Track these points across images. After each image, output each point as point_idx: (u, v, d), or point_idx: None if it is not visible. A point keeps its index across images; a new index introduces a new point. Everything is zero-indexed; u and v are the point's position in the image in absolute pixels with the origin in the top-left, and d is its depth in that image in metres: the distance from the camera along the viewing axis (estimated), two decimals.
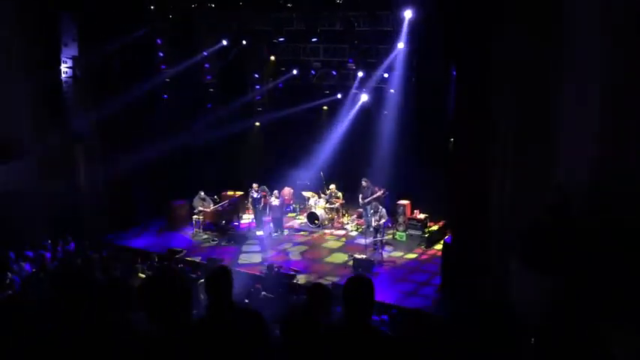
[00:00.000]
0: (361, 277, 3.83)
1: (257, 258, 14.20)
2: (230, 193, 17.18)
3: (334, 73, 17.39)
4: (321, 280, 12.53)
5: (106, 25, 14.50)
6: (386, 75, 16.26)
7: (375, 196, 15.46)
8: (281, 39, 16.83)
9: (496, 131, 10.74)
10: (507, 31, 10.13)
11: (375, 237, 14.03)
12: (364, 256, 13.49)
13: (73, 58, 14.63)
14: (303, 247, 15.00)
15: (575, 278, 9.08)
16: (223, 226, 15.86)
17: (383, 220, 14.04)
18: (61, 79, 14.57)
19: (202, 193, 16.20)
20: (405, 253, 14.42)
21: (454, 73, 12.49)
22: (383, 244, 14.08)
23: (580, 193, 9.40)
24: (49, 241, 13.10)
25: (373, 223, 14.04)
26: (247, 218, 17.15)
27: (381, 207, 14.22)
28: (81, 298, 4.92)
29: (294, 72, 18.00)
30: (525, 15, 9.86)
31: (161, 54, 17.17)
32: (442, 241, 13.24)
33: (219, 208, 16.15)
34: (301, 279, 12.64)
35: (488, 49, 10.56)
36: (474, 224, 11.52)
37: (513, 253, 10.38)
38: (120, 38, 15.15)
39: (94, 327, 3.99)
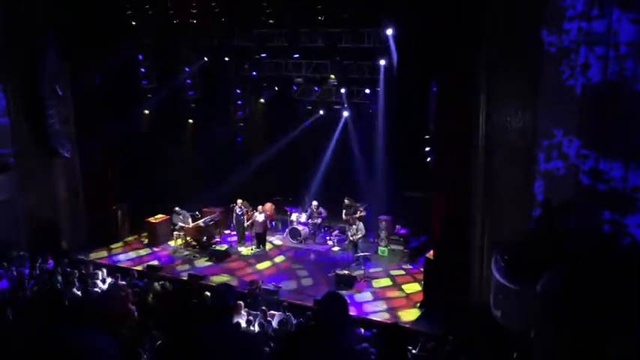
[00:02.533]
0: (334, 294, 3.88)
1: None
2: (211, 209, 17.06)
3: (316, 89, 17.45)
4: (303, 297, 12.51)
5: (87, 41, 14.41)
6: (367, 91, 16.36)
7: (357, 215, 15.41)
8: (263, 55, 16.88)
9: (477, 143, 10.84)
10: (489, 42, 10.27)
11: (354, 252, 14.02)
12: (346, 272, 13.45)
13: (54, 75, 14.50)
14: (285, 263, 14.92)
15: (561, 290, 9.14)
16: (204, 242, 15.71)
17: (360, 234, 14.04)
18: (43, 95, 14.42)
19: (177, 208, 16.08)
20: (387, 269, 14.40)
21: (434, 89, 12.64)
22: (364, 259, 14.05)
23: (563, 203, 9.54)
24: (27, 258, 12.88)
25: (350, 238, 14.07)
26: (229, 234, 17.04)
27: (358, 221, 14.24)
28: (58, 314, 4.84)
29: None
30: (507, 27, 10.01)
31: (143, 70, 17.10)
32: (424, 256, 13.25)
33: (201, 224, 16.02)
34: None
35: (470, 61, 10.70)
36: (456, 237, 11.57)
37: (496, 265, 10.44)
38: (101, 54, 15.07)
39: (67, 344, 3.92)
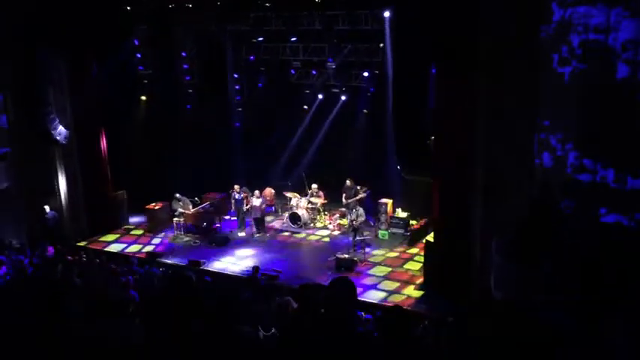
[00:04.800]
0: (343, 279, 3.85)
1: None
2: (211, 194, 17.04)
3: (314, 72, 17.33)
4: (303, 281, 12.50)
5: (82, 28, 14.27)
6: (366, 74, 16.25)
7: (357, 197, 15.46)
8: (260, 39, 16.73)
9: (477, 127, 10.78)
10: (491, 32, 10.17)
11: (354, 237, 14.02)
12: (347, 256, 13.46)
13: (51, 61, 14.39)
14: (286, 248, 14.92)
15: (559, 271, 9.15)
16: (205, 227, 15.70)
17: (361, 219, 14.03)
18: (40, 82, 14.33)
19: (178, 195, 16.05)
20: (388, 252, 14.40)
21: (433, 71, 12.54)
22: (364, 243, 14.06)
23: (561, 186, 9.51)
24: (27, 246, 12.89)
25: (351, 223, 14.04)
26: (229, 219, 17.03)
27: (359, 206, 14.23)
28: (59, 303, 4.81)
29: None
30: (509, 14, 9.91)
31: (139, 55, 16.96)
32: (424, 239, 13.25)
33: (200, 210, 16.01)
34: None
35: (470, 45, 10.59)
36: (456, 220, 11.56)
37: (497, 247, 10.44)
38: (97, 40, 14.95)
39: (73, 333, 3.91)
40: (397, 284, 12.56)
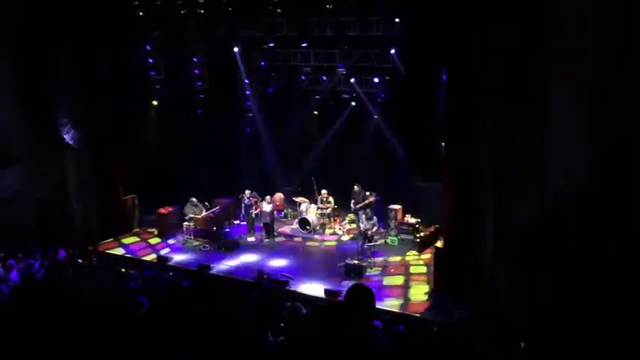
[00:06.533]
0: (361, 286, 3.84)
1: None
2: (221, 199, 17.08)
3: (324, 78, 17.34)
4: (312, 286, 12.49)
5: (91, 30, 14.40)
6: (376, 80, 16.24)
7: (366, 202, 15.47)
8: (271, 44, 16.77)
9: (486, 131, 10.74)
10: (497, 33, 10.15)
11: (365, 243, 13.97)
12: (356, 262, 13.42)
13: (62, 65, 14.50)
14: (295, 253, 14.90)
15: (566, 281, 9.10)
16: (214, 232, 15.74)
17: (375, 229, 13.99)
18: (50, 86, 14.45)
19: (194, 200, 16.04)
20: (397, 258, 14.35)
21: (444, 77, 12.52)
22: (371, 251, 14.01)
23: (571, 197, 9.43)
24: (38, 250, 12.94)
25: (362, 228, 13.97)
26: (238, 224, 17.07)
27: (374, 216, 14.18)
28: (69, 308, 4.84)
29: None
30: (515, 17, 9.88)
31: (150, 60, 17.06)
32: (434, 246, 13.20)
33: (211, 215, 16.03)
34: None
35: (478, 51, 10.57)
36: (466, 225, 11.50)
37: (506, 256, 10.38)
38: (109, 44, 15.07)
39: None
40: (405, 290, 12.50)
